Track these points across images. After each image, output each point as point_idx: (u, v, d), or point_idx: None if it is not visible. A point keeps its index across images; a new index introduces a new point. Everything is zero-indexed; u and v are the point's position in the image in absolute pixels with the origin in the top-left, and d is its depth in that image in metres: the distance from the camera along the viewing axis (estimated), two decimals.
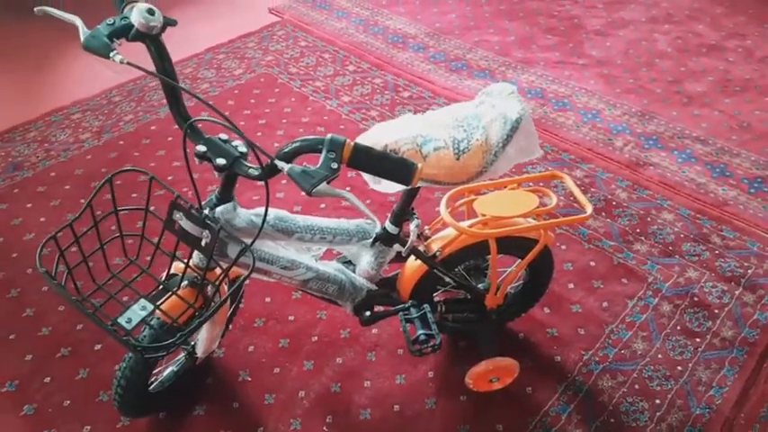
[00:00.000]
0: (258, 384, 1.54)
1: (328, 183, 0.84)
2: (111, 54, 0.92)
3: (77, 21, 0.99)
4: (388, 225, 1.29)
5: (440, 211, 1.27)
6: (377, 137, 1.14)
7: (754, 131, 2.49)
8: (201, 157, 0.99)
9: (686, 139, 2.45)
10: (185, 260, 1.09)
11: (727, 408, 1.53)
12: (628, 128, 2.51)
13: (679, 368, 1.62)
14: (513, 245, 1.38)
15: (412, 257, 1.40)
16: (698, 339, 1.70)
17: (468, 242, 1.35)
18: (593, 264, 1.90)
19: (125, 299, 1.04)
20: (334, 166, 0.86)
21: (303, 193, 0.84)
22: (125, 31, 0.97)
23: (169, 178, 2.17)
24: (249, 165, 1.00)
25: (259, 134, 2.42)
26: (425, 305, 1.38)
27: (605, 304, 1.79)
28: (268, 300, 1.76)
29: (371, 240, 1.29)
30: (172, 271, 1.16)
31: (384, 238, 1.30)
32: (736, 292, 1.83)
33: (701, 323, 1.74)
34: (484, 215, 1.29)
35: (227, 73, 2.80)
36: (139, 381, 1.27)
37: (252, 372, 1.57)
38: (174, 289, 1.12)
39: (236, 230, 1.10)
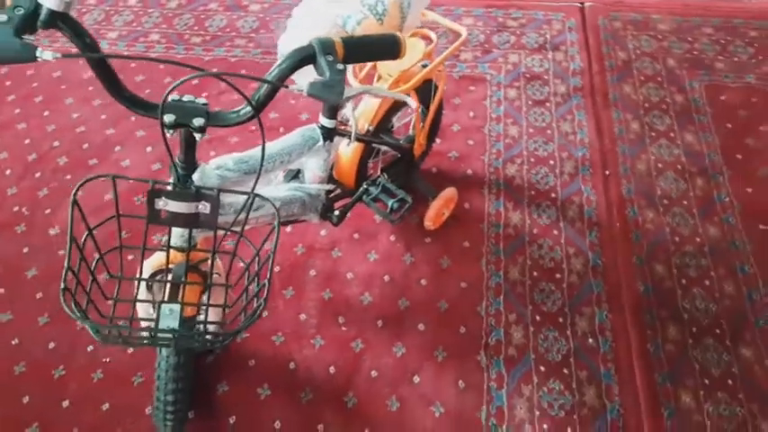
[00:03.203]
0: (261, 328, 1.52)
1: None
2: (38, 54, 0.72)
3: None
4: (325, 121, 1.28)
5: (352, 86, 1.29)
6: (300, 36, 1.09)
7: None
8: (175, 126, 0.86)
9: None
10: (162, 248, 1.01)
11: (595, 140, 1.94)
12: None
13: (548, 131, 1.98)
14: (419, 90, 1.49)
15: (343, 147, 1.43)
16: (547, 104, 2.06)
17: (387, 106, 1.42)
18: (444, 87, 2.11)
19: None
20: (340, 66, 0.84)
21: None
22: (29, 22, 0.75)
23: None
24: (231, 111, 0.91)
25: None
26: (380, 178, 1.45)
27: (471, 114, 2.04)
28: None
29: (322, 140, 1.28)
30: (148, 267, 1.06)
31: (328, 134, 1.30)
32: (549, 56, 2.22)
33: (540, 91, 2.10)
34: (390, 75, 1.35)
35: None
36: (188, 379, 1.19)
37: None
38: (183, 280, 1.03)
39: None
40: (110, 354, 1.48)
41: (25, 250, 1.68)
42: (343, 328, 1.52)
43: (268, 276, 0.91)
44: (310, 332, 1.51)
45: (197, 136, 0.88)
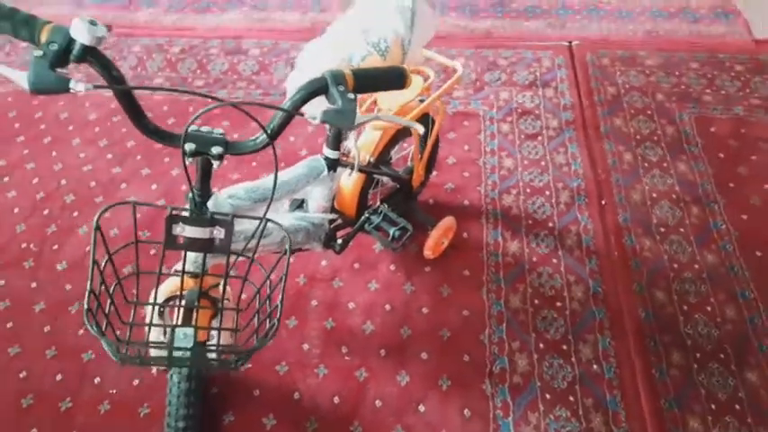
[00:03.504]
0: (265, 358, 1.52)
1: None
2: (72, 85, 0.76)
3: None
4: (329, 152, 1.33)
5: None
6: (307, 76, 1.14)
7: None
8: (195, 154, 0.90)
9: None
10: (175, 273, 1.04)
11: (589, 170, 1.99)
12: None
13: (543, 163, 2.03)
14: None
15: (345, 178, 1.47)
16: (540, 137, 2.12)
17: (387, 139, 1.46)
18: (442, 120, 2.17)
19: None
20: (351, 96, 0.89)
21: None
22: (62, 57, 0.80)
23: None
24: (247, 140, 0.94)
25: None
26: (381, 207, 1.48)
27: (466, 147, 2.09)
28: None
29: (327, 170, 1.32)
30: (162, 293, 1.08)
31: (332, 165, 1.34)
32: (540, 92, 2.29)
33: (533, 125, 2.16)
34: (390, 109, 1.41)
35: None
36: (199, 405, 1.18)
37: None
38: (196, 305, 1.05)
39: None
40: (116, 385, 1.48)
41: (33, 285, 1.70)
42: (347, 358, 1.52)
43: (280, 297, 0.93)
44: (314, 362, 1.52)
45: (215, 164, 0.91)
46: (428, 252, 1.68)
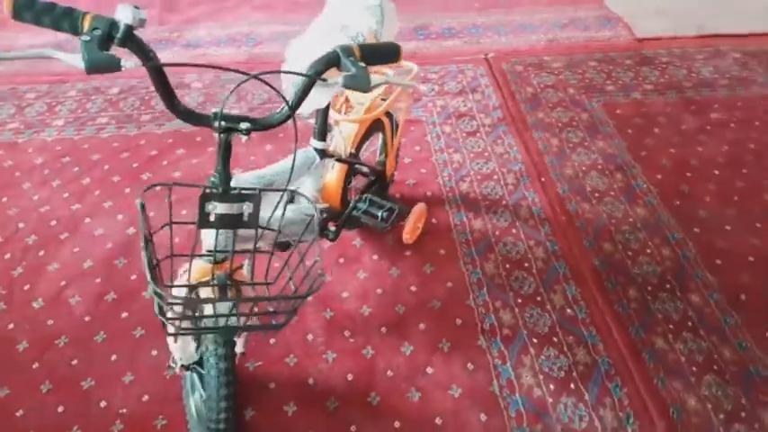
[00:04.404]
0: (272, 354, 1.57)
1: None
2: (123, 63, 0.84)
3: (52, 52, 0.85)
4: (316, 143, 1.45)
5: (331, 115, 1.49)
6: (299, 67, 1.27)
7: None
8: (225, 130, 0.99)
9: None
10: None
11: (525, 156, 2.24)
12: None
13: (486, 154, 2.26)
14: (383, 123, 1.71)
15: (328, 172, 1.60)
16: (478, 134, 2.36)
17: (363, 131, 1.62)
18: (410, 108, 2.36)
19: None
20: (361, 64, 1.03)
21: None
22: (105, 42, 0.88)
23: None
24: (269, 115, 1.05)
25: None
26: (365, 195, 1.62)
27: (417, 148, 2.28)
28: None
29: (319, 158, 1.44)
30: (183, 278, 1.13)
31: (321, 155, 1.46)
32: (470, 97, 2.55)
33: (471, 124, 2.41)
34: (361, 104, 1.57)
35: None
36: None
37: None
38: (229, 283, 1.12)
39: None
40: (124, 404, 1.46)
41: (10, 326, 1.64)
42: (351, 340, 1.61)
43: (318, 252, 1.03)
44: (320, 349, 1.59)
45: (243, 138, 1.01)
46: (407, 236, 1.82)
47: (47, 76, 2.63)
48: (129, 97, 2.54)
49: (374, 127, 1.67)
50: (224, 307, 1.07)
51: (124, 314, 1.67)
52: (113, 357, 1.56)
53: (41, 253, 1.85)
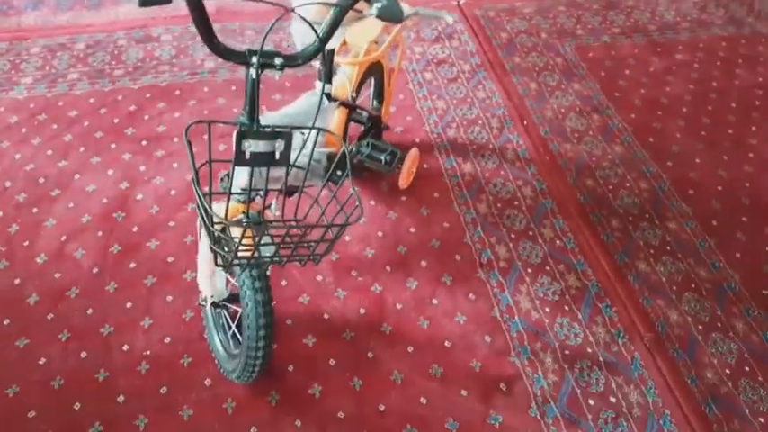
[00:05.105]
0: (284, 294, 1.62)
1: None
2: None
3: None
4: (324, 87, 1.48)
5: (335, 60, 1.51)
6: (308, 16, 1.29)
7: None
8: (261, 66, 1.01)
9: None
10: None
11: (507, 100, 2.32)
12: None
13: (468, 100, 2.33)
14: (376, 68, 1.74)
15: (332, 115, 1.63)
16: (459, 80, 2.42)
17: (362, 73, 1.65)
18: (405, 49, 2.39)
19: None
20: (385, 1, 1.07)
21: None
22: None
23: None
24: (302, 49, 1.07)
25: None
26: (367, 140, 1.66)
27: (401, 97, 2.32)
28: None
29: (327, 100, 1.47)
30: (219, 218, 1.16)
31: (328, 97, 1.50)
32: (447, 44, 2.59)
33: (450, 71, 2.46)
34: (360, 47, 1.60)
35: None
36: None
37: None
38: (263, 220, 1.16)
39: None
40: (148, 346, 1.50)
41: (17, 281, 1.63)
42: (359, 279, 1.69)
43: (352, 188, 1.07)
44: (331, 288, 1.66)
45: (276, 75, 1.04)
46: (402, 182, 1.88)
47: (5, 33, 2.51)
48: (96, 52, 2.45)
49: (370, 72, 1.70)
50: (267, 239, 1.11)
51: (132, 264, 1.68)
52: (128, 305, 1.58)
53: (35, 210, 1.83)
